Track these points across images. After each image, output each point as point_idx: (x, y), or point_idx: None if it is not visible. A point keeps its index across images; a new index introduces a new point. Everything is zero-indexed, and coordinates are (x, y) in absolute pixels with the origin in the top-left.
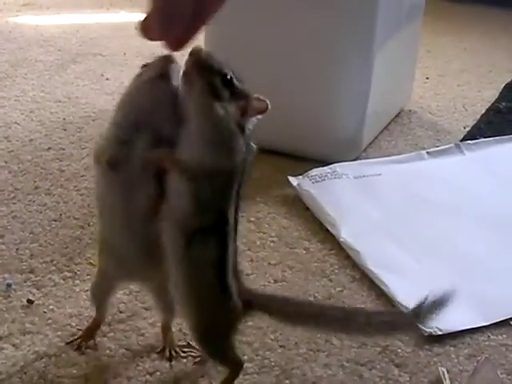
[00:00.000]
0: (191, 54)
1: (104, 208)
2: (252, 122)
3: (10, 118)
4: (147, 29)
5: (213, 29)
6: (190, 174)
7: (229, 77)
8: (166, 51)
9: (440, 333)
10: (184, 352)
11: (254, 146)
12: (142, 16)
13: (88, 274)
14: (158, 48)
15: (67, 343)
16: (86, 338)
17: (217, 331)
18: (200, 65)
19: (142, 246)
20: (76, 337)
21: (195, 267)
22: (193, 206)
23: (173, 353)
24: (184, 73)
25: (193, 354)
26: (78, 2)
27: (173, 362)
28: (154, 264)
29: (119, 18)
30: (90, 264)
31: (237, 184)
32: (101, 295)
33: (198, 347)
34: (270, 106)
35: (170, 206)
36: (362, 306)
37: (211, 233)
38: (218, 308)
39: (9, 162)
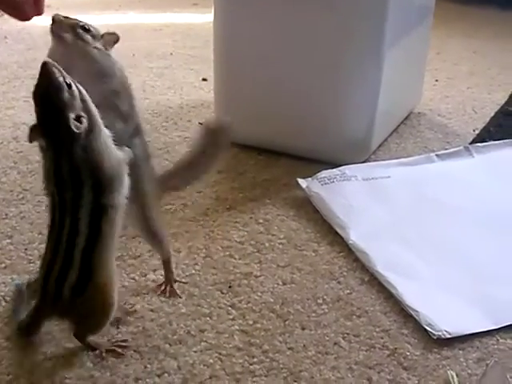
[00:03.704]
0: (53, 19)
1: None
2: (113, 52)
3: (19, 118)
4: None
5: (223, 31)
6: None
7: (86, 27)
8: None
9: (449, 336)
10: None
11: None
12: None
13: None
14: (166, 48)
15: None
16: None
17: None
18: (62, 23)
19: None
20: None
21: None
22: (122, 124)
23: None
24: (54, 36)
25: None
26: (86, 3)
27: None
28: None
29: (128, 19)
30: None
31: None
32: None
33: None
34: (120, 36)
35: None
36: (371, 309)
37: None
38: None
39: (18, 163)
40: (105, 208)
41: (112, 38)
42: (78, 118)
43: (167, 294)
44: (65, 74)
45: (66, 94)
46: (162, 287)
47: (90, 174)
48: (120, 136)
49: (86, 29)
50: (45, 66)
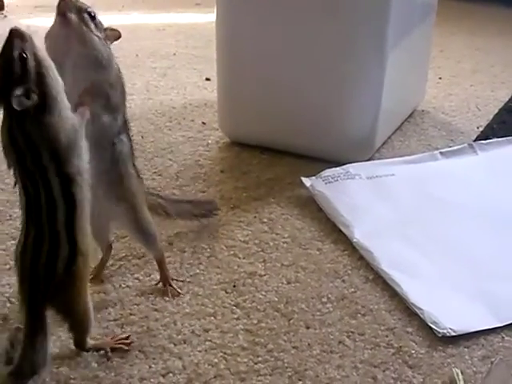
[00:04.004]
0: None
1: None
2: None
3: None
4: None
5: (225, 31)
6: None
7: (92, 14)
8: None
9: (454, 334)
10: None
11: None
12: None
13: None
14: (169, 48)
15: None
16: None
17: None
18: (70, 6)
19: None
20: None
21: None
22: (110, 117)
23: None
24: (59, 14)
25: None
26: (89, 4)
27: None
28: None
29: (131, 19)
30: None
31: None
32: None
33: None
34: (121, 34)
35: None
36: (376, 307)
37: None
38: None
39: None
40: (72, 176)
41: (114, 34)
42: (27, 93)
43: (169, 295)
44: (27, 44)
45: (16, 69)
46: (162, 287)
47: (45, 145)
48: (106, 128)
49: (91, 16)
50: (9, 34)
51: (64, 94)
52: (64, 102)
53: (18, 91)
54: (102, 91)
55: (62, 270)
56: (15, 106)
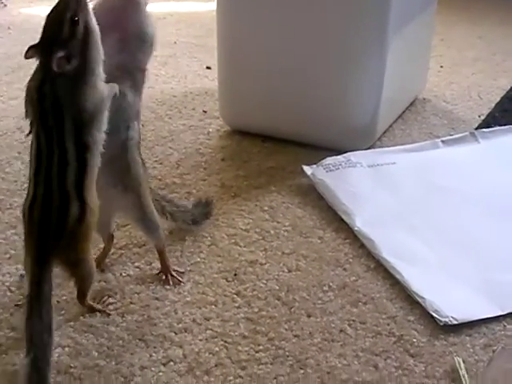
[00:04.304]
0: None
1: None
2: None
3: (23, 109)
4: None
5: (226, 19)
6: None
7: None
8: None
9: (456, 322)
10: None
11: None
12: None
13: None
14: (170, 37)
15: None
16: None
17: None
18: None
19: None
20: None
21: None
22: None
23: (169, 276)
24: None
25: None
26: None
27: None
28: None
29: None
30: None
31: None
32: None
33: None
34: None
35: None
36: (377, 296)
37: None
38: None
39: (22, 153)
40: (88, 144)
41: None
42: (68, 57)
43: (171, 283)
44: (81, 9)
45: (65, 31)
46: (163, 277)
47: (71, 110)
48: (128, 109)
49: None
50: None
51: (102, 65)
52: (100, 74)
53: (61, 53)
54: (133, 69)
55: (72, 223)
56: (54, 67)
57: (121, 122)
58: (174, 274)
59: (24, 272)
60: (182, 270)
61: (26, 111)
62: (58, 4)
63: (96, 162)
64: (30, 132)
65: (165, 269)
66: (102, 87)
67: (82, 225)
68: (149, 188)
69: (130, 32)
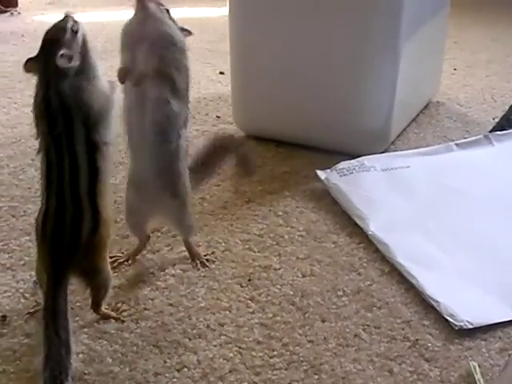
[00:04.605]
0: None
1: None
2: None
3: None
4: None
5: (238, 24)
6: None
7: (168, 9)
8: None
9: (471, 326)
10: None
11: None
12: None
13: (115, 272)
14: None
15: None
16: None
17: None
18: None
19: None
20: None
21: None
22: (178, 104)
23: (198, 263)
24: (140, 2)
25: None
26: (103, 0)
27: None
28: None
29: None
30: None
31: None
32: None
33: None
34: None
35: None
36: (392, 300)
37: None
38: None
39: (36, 160)
40: (98, 145)
41: (187, 32)
42: (69, 58)
43: (199, 267)
44: (78, 24)
45: (67, 35)
46: (191, 260)
47: (79, 109)
48: (175, 116)
49: (167, 10)
50: (64, 16)
51: (100, 69)
52: (101, 76)
53: (64, 51)
54: (169, 73)
55: (86, 236)
56: (58, 63)
57: (170, 130)
58: (203, 259)
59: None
60: (210, 256)
61: (37, 128)
62: (58, 21)
63: (108, 165)
64: (39, 151)
65: (193, 257)
66: (105, 86)
67: (96, 237)
68: (191, 195)
69: (155, 38)
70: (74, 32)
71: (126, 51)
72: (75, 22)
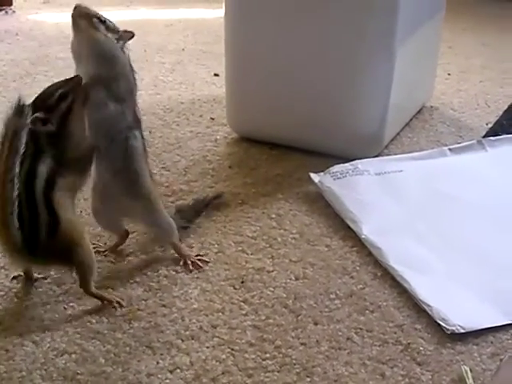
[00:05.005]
0: (74, 8)
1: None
2: (127, 47)
3: None
4: None
5: (234, 26)
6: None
7: (102, 19)
8: None
9: (463, 331)
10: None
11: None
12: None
13: (108, 272)
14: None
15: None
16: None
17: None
18: (81, 12)
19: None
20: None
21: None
22: (117, 107)
23: (189, 263)
24: (72, 19)
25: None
26: (98, 0)
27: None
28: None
29: (139, 14)
30: (111, 262)
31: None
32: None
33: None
34: (135, 35)
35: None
36: (384, 304)
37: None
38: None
39: None
40: (62, 174)
41: (127, 35)
42: (44, 120)
43: (191, 268)
44: (74, 89)
45: (51, 100)
46: (182, 262)
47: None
48: (115, 117)
49: (101, 20)
50: (73, 78)
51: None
52: (82, 139)
53: (40, 114)
54: (106, 82)
55: (45, 236)
56: (29, 124)
57: (113, 132)
58: (194, 259)
59: (15, 274)
60: (203, 257)
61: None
62: (50, 86)
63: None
64: None
65: (183, 257)
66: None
67: (55, 238)
68: (158, 193)
69: (89, 52)
70: (63, 98)
71: (76, 67)
72: (75, 85)
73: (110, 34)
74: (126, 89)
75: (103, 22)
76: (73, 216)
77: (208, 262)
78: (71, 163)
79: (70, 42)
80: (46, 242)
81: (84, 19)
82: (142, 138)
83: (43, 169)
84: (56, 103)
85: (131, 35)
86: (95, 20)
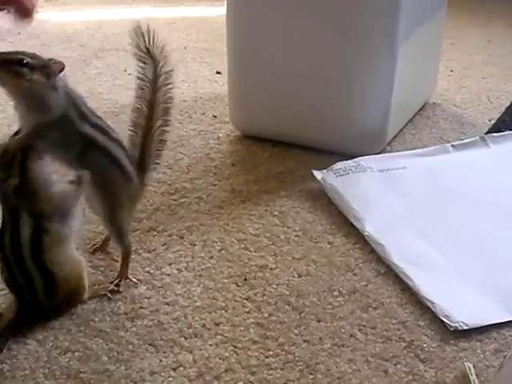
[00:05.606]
0: None
1: None
2: (61, 79)
3: None
4: None
5: (236, 24)
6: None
7: (24, 61)
8: None
9: (466, 327)
10: None
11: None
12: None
13: (111, 270)
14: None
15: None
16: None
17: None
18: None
19: None
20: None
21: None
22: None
23: (121, 283)
24: None
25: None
26: None
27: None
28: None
29: (141, 13)
30: (113, 260)
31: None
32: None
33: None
34: (65, 65)
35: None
36: (387, 301)
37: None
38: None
39: None
40: (45, 230)
41: (58, 67)
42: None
43: (121, 290)
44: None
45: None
46: (115, 281)
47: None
48: (65, 160)
49: (23, 63)
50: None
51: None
52: (52, 183)
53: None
54: (41, 133)
55: (44, 299)
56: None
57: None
58: (120, 282)
59: None
60: (135, 281)
61: None
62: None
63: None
64: None
65: (121, 274)
66: (58, 191)
67: (55, 296)
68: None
69: (18, 101)
70: (12, 157)
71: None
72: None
73: (35, 76)
74: (66, 131)
75: (25, 64)
76: (68, 265)
77: (134, 284)
78: (50, 212)
79: (72, 42)
80: (46, 303)
81: (3, 69)
82: (105, 150)
83: (26, 232)
84: (12, 158)
85: (62, 66)
86: (15, 66)
